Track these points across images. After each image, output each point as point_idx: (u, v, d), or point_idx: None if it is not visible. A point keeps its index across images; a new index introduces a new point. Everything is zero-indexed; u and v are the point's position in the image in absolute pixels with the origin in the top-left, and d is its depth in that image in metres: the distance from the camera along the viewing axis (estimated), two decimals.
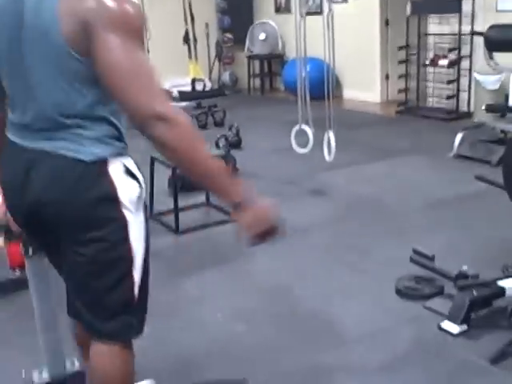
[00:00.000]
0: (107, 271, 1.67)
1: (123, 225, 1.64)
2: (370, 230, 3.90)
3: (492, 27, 5.35)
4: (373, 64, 8.15)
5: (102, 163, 1.59)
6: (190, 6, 9.44)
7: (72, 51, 1.48)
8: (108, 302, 1.71)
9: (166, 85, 9.58)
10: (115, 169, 1.61)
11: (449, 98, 6.94)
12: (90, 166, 1.57)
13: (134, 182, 1.65)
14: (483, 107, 6.22)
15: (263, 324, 2.87)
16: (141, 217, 1.69)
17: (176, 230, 4.05)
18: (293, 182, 4.83)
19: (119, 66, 1.47)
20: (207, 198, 4.55)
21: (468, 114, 6.94)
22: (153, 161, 4.31)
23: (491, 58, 5.45)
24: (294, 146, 4.84)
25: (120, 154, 1.64)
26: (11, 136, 1.69)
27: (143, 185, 1.69)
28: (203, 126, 7.28)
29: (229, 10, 10.02)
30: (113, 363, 1.76)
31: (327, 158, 4.60)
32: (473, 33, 5.73)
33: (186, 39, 9.47)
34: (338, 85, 8.16)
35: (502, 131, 5.59)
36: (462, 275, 2.82)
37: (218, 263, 3.55)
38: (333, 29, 4.74)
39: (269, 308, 3.01)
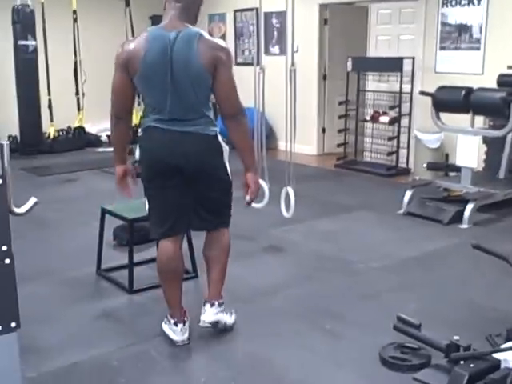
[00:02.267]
0: (227, 195, 3.14)
1: (226, 167, 3.06)
2: (339, 291, 3.75)
3: (440, 88, 5.45)
4: (310, 117, 8.17)
5: (216, 136, 2.99)
6: None
7: (208, 73, 2.85)
8: (227, 210, 3.18)
9: (94, 129, 9.27)
10: (220, 138, 3.01)
11: (390, 154, 7.02)
12: (212, 137, 2.98)
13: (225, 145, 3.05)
14: (424, 165, 6.34)
15: None
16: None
17: (130, 289, 3.74)
18: (248, 238, 4.64)
19: (228, 84, 2.92)
20: None
21: (407, 171, 7.04)
22: (103, 212, 4.01)
23: (438, 117, 5.54)
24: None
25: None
26: (161, 125, 2.91)
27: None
28: (139, 174, 6.94)
29: None
30: (227, 236, 3.23)
31: (285, 214, 4.45)
32: (421, 92, 5.81)
33: None
34: (272, 136, 8.14)
35: (445, 189, 5.66)
36: (454, 346, 2.70)
37: None
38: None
39: (248, 379, 2.76)
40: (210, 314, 3.15)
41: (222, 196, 3.10)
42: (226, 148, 3.03)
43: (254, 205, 4.62)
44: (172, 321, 3.10)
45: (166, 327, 3.14)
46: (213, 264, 3.22)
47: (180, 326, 3.08)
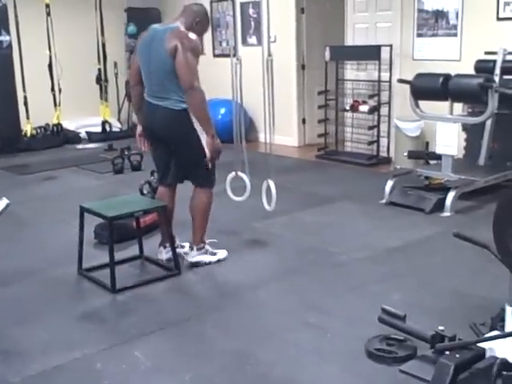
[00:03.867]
0: (198, 159, 3.80)
1: (197, 136, 3.75)
2: (322, 284, 3.73)
3: (418, 76, 5.44)
4: (289, 108, 8.14)
5: (184, 110, 3.67)
6: (103, 45, 9.16)
7: (170, 56, 3.58)
8: (199, 172, 3.89)
9: (72, 126, 9.16)
10: (189, 113, 3.68)
11: (370, 143, 7.01)
12: (182, 111, 3.68)
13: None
14: (405, 154, 6.34)
15: None
16: (204, 134, 3.75)
17: (112, 289, 3.69)
18: (230, 232, 4.61)
19: (182, 62, 3.55)
20: (141, 250, 4.23)
21: (387, 160, 7.03)
22: (82, 211, 3.96)
23: (417, 105, 5.53)
24: (230, 194, 4.63)
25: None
26: (148, 98, 3.82)
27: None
28: (119, 171, 6.91)
29: None
30: (202, 197, 3.97)
31: (267, 207, 4.42)
32: (399, 80, 5.80)
33: (99, 79, 9.15)
34: (252, 128, 8.09)
35: (427, 177, 5.66)
36: (439, 336, 2.70)
37: (165, 326, 3.25)
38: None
39: (234, 377, 2.74)
40: (190, 256, 4.04)
41: (192, 159, 3.87)
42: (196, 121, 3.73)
43: (234, 198, 4.62)
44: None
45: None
46: (191, 215, 4.03)
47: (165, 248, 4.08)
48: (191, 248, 4.06)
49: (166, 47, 3.59)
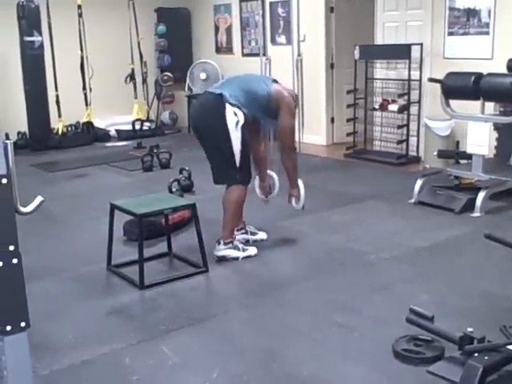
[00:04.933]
0: (224, 153, 3.97)
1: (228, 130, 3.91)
2: (350, 283, 3.72)
3: (449, 74, 5.38)
4: (318, 107, 8.12)
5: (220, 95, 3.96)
6: (138, 44, 9.26)
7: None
8: (229, 169, 4.01)
9: (102, 124, 9.27)
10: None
11: (399, 142, 6.96)
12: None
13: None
14: (435, 153, 6.28)
15: None
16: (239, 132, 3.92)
17: (141, 285, 3.72)
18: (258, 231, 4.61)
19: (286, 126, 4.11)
20: (169, 247, 4.26)
21: (417, 159, 6.98)
22: (112, 208, 4.00)
23: (448, 105, 5.47)
24: (258, 191, 4.64)
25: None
26: None
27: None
28: (148, 169, 6.97)
29: (168, 49, 9.84)
30: (232, 193, 4.06)
31: (295, 205, 4.42)
32: (430, 79, 5.75)
33: (132, 78, 9.25)
34: None
35: (456, 177, 5.60)
36: (468, 338, 2.67)
37: (193, 322, 3.27)
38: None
39: (262, 375, 2.74)
40: (217, 250, 4.08)
41: (219, 155, 4.01)
42: (234, 118, 3.88)
43: (262, 197, 4.64)
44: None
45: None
46: (223, 209, 4.11)
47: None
48: (218, 242, 4.10)
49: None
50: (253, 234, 4.41)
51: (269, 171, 4.60)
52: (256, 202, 4.67)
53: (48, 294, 3.70)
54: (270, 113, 4.07)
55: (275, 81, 4.20)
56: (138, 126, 9.28)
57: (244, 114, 3.92)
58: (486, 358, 2.52)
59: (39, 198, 1.91)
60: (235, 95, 3.92)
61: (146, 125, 9.46)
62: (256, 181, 4.54)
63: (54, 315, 3.41)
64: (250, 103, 3.96)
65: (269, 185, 4.57)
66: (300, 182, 4.36)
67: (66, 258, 4.29)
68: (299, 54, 4.42)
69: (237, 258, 4.09)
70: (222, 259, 4.08)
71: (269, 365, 2.82)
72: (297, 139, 4.54)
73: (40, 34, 8.17)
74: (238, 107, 3.91)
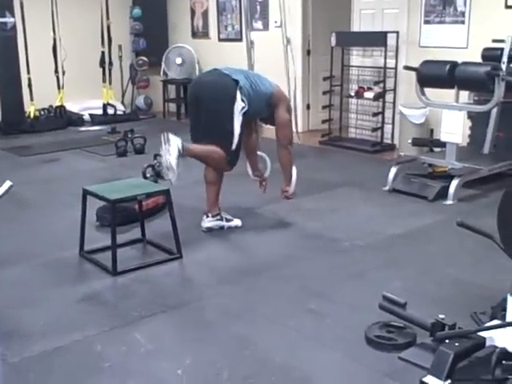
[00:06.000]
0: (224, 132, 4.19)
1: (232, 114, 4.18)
2: (324, 270, 3.73)
3: (425, 63, 5.40)
4: (294, 93, 8.08)
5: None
6: (108, 27, 9.12)
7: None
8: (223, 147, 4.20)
9: (76, 108, 9.14)
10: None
11: (374, 130, 6.98)
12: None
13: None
14: (409, 141, 6.31)
15: (231, 381, 2.60)
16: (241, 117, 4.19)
17: (113, 271, 3.69)
18: (233, 216, 4.58)
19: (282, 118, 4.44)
20: (143, 234, 4.23)
21: (392, 147, 7.01)
22: (85, 194, 3.95)
23: (423, 93, 5.50)
24: (249, 171, 4.76)
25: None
26: None
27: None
28: (122, 154, 6.90)
29: (144, 33, 9.72)
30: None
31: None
32: (405, 67, 5.76)
33: (103, 62, 9.13)
34: None
35: (430, 165, 5.64)
36: (439, 325, 2.70)
37: (166, 309, 3.25)
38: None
39: (234, 362, 2.74)
40: (204, 222, 4.33)
41: (217, 132, 4.21)
42: (242, 104, 4.15)
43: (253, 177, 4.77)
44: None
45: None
46: (206, 186, 4.38)
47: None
48: (206, 215, 4.35)
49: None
50: (228, 220, 4.40)
51: (259, 153, 4.75)
52: (231, 188, 4.65)
53: (19, 281, 3.65)
54: (267, 110, 4.40)
55: (276, 85, 4.52)
56: (111, 111, 9.18)
57: (247, 107, 4.19)
58: (456, 344, 2.55)
59: (8, 183, 1.87)
60: (246, 87, 4.21)
61: (121, 109, 9.36)
62: (248, 168, 4.72)
63: (26, 302, 3.36)
64: (254, 100, 4.23)
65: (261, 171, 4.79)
66: (294, 170, 4.47)
67: (37, 244, 4.24)
68: (288, 42, 4.43)
69: (222, 227, 4.37)
70: (209, 230, 4.33)
71: (242, 352, 2.81)
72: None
73: (12, 15, 8.01)
74: (244, 99, 4.18)
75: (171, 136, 4.04)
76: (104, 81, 9.26)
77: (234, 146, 4.20)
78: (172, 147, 3.99)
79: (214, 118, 4.20)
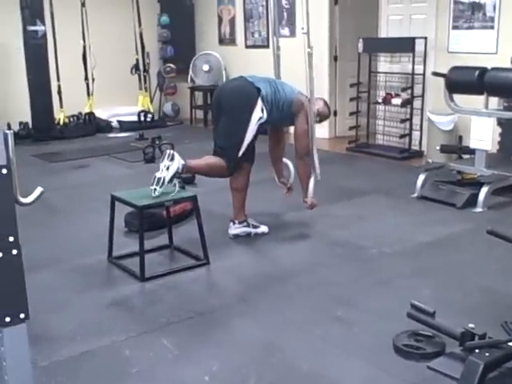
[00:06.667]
0: (235, 136, 4.21)
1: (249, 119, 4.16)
2: (351, 277, 3.71)
3: (453, 69, 5.35)
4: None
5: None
6: (141, 35, 9.23)
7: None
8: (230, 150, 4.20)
9: (105, 115, 9.24)
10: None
11: (402, 136, 6.93)
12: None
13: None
14: (437, 147, 6.25)
15: None
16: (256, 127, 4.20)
17: (141, 277, 3.71)
18: (260, 223, 4.58)
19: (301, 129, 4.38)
20: (170, 239, 4.25)
21: (419, 154, 6.95)
22: (113, 200, 3.99)
23: (451, 99, 5.45)
24: (275, 177, 4.75)
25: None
26: None
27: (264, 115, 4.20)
28: (150, 160, 6.95)
29: (171, 40, 9.81)
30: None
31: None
32: (434, 73, 5.72)
33: (136, 69, 9.23)
34: None
35: (459, 172, 5.58)
36: (469, 334, 2.66)
37: (194, 315, 3.26)
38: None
39: (261, 369, 2.73)
40: (231, 229, 4.37)
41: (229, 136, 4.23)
42: (260, 114, 4.15)
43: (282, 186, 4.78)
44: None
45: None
46: (232, 194, 4.39)
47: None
48: (233, 222, 4.38)
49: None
50: (255, 227, 4.41)
51: (284, 160, 4.77)
52: (258, 194, 4.65)
53: (48, 286, 3.69)
54: (290, 118, 4.39)
55: (300, 93, 4.46)
56: (148, 118, 9.27)
57: (265, 117, 4.20)
58: (487, 354, 2.52)
59: (39, 189, 1.89)
60: (268, 95, 4.23)
61: (149, 116, 9.45)
62: (274, 174, 4.75)
63: (54, 306, 3.40)
64: (275, 108, 4.26)
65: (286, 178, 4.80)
66: (311, 181, 4.43)
67: (66, 250, 4.28)
68: (309, 47, 4.38)
69: (249, 234, 4.39)
70: (236, 237, 4.36)
71: (268, 358, 2.81)
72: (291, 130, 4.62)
73: (43, 23, 8.14)
74: (263, 109, 4.19)
75: (176, 155, 4.05)
76: (140, 88, 9.37)
77: (240, 154, 4.19)
78: (173, 166, 3.99)
79: (230, 124, 4.22)
